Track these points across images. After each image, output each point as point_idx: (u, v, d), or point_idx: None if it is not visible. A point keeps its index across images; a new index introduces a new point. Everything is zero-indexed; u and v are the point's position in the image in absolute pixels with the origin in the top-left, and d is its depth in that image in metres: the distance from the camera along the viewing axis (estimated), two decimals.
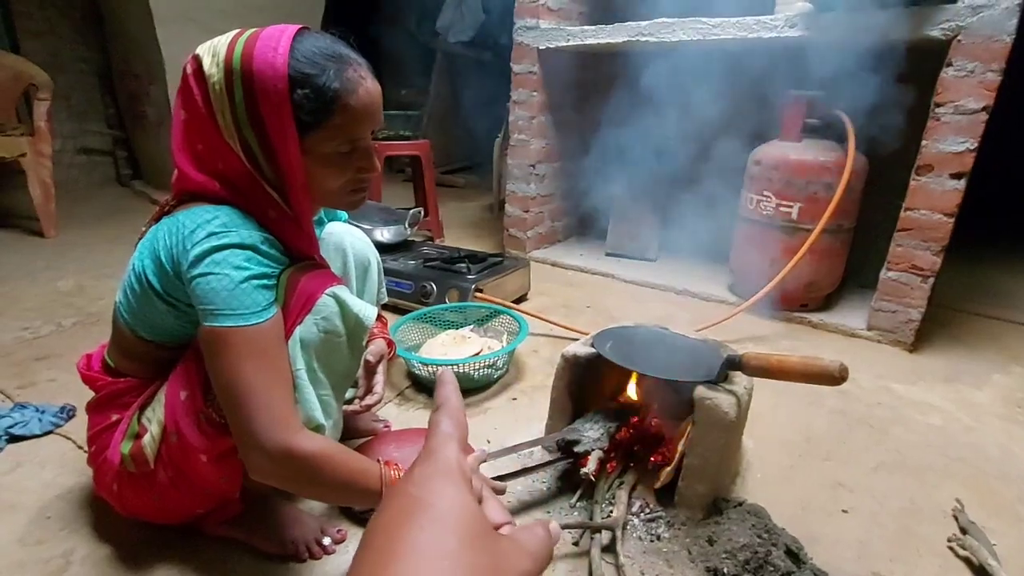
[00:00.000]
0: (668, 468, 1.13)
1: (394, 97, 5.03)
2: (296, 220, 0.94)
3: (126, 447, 0.95)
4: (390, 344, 1.32)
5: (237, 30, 0.88)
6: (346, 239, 1.25)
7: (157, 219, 0.95)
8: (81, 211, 3.63)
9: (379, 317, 1.36)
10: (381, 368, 1.22)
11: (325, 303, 0.93)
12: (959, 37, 1.66)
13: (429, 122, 4.90)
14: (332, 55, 0.87)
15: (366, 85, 0.89)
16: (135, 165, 4.51)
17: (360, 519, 1.13)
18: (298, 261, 0.95)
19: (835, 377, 0.97)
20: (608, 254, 2.95)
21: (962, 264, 2.62)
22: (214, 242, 0.84)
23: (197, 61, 0.87)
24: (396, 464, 0.94)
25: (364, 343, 1.03)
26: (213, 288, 0.82)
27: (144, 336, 0.96)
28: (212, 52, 0.86)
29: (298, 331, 0.91)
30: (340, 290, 0.95)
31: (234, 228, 0.86)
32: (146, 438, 0.93)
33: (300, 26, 0.88)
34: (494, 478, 1.09)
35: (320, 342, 0.93)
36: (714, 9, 2.11)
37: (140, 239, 0.97)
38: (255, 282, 0.85)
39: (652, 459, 1.22)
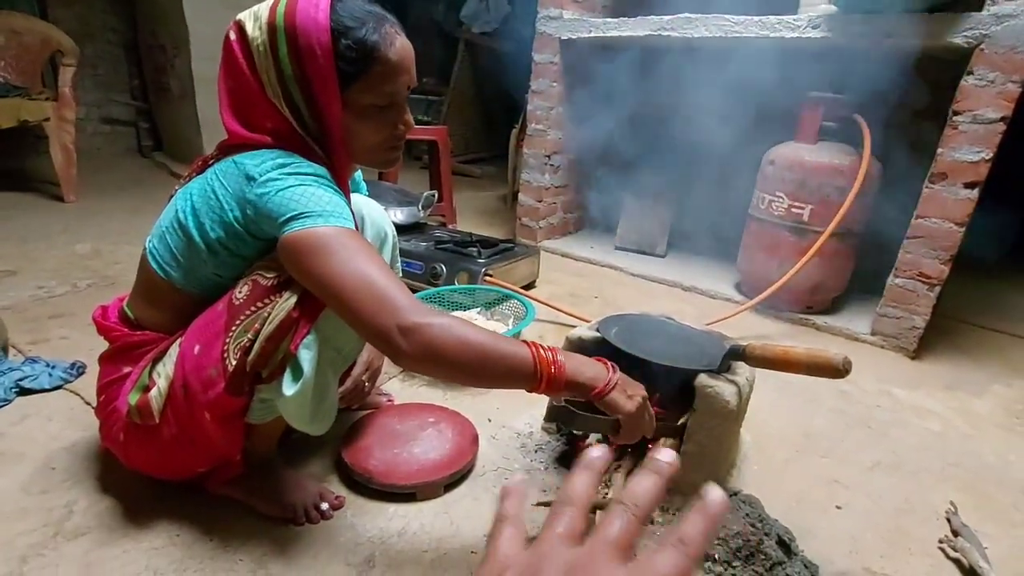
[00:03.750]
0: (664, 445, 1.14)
1: (416, 85, 5.04)
2: (336, 175, 0.97)
3: (134, 398, 0.96)
4: None
5: None
6: (363, 209, 1.25)
7: (201, 170, 0.98)
8: (102, 179, 3.68)
9: None
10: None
11: None
12: (982, 46, 1.65)
13: (449, 110, 4.92)
14: (370, 11, 0.91)
15: (402, 39, 0.93)
16: (157, 137, 4.55)
17: (360, 485, 1.15)
18: None
19: (839, 369, 0.97)
20: (618, 248, 2.96)
21: (969, 275, 2.60)
22: (284, 167, 0.88)
23: (239, 26, 0.90)
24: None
25: None
26: (295, 194, 0.85)
27: (176, 283, 0.98)
28: (254, 17, 0.90)
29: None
30: None
31: (298, 160, 0.90)
32: (154, 391, 0.95)
33: None
34: None
35: (330, 317, 0.92)
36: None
37: (179, 188, 0.99)
38: (339, 198, 0.89)
39: (650, 446, 1.23)
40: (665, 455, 0.37)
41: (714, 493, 0.35)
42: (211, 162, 0.97)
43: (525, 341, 0.86)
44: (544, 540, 0.34)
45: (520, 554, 0.34)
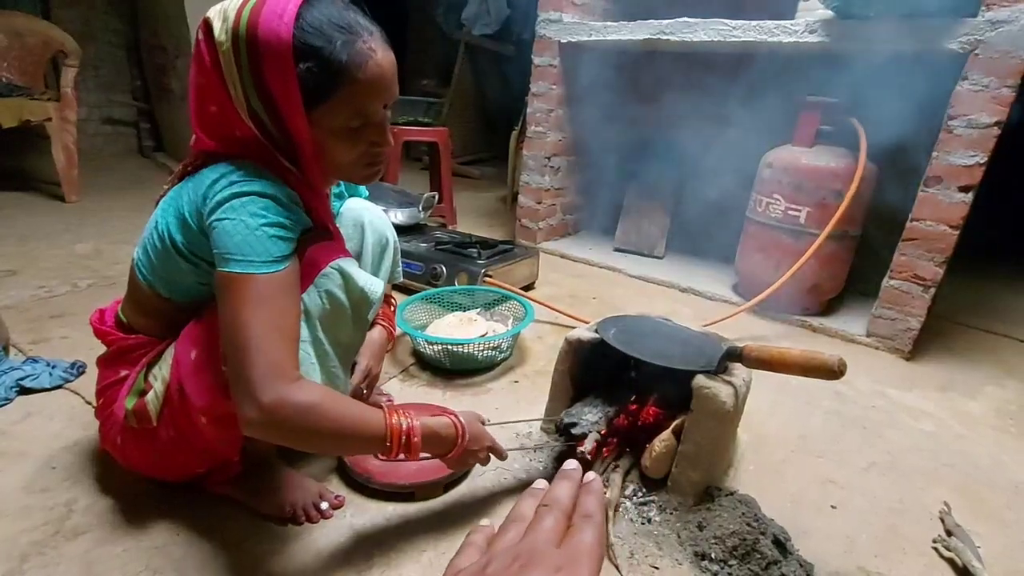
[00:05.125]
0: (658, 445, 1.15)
1: (416, 86, 5.07)
2: (312, 188, 0.95)
3: (130, 403, 0.97)
4: (391, 335, 1.33)
5: None
6: (364, 215, 1.24)
7: (180, 179, 0.96)
8: (103, 179, 3.70)
9: (388, 300, 1.39)
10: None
11: (329, 275, 0.92)
12: (976, 51, 1.67)
13: (449, 112, 4.93)
14: (341, 24, 0.82)
15: (376, 58, 0.85)
16: (158, 137, 4.57)
17: (359, 485, 1.16)
18: (316, 228, 0.95)
19: (834, 371, 0.97)
20: (616, 249, 2.97)
21: (964, 277, 2.62)
22: (234, 189, 0.84)
23: (207, 25, 0.84)
24: (402, 410, 0.93)
25: (369, 318, 1.02)
26: (228, 233, 0.82)
27: (162, 293, 0.97)
28: (222, 17, 0.82)
29: (301, 299, 0.90)
30: (346, 263, 0.94)
31: (256, 178, 0.85)
32: (150, 395, 0.95)
33: None
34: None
35: (324, 313, 0.93)
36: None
37: (162, 198, 0.98)
38: (270, 230, 0.83)
39: (648, 446, 1.24)
40: (571, 464, 0.47)
41: (590, 475, 0.45)
42: (189, 169, 0.94)
43: (389, 409, 0.92)
44: (530, 534, 0.40)
45: (509, 548, 0.40)
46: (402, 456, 0.91)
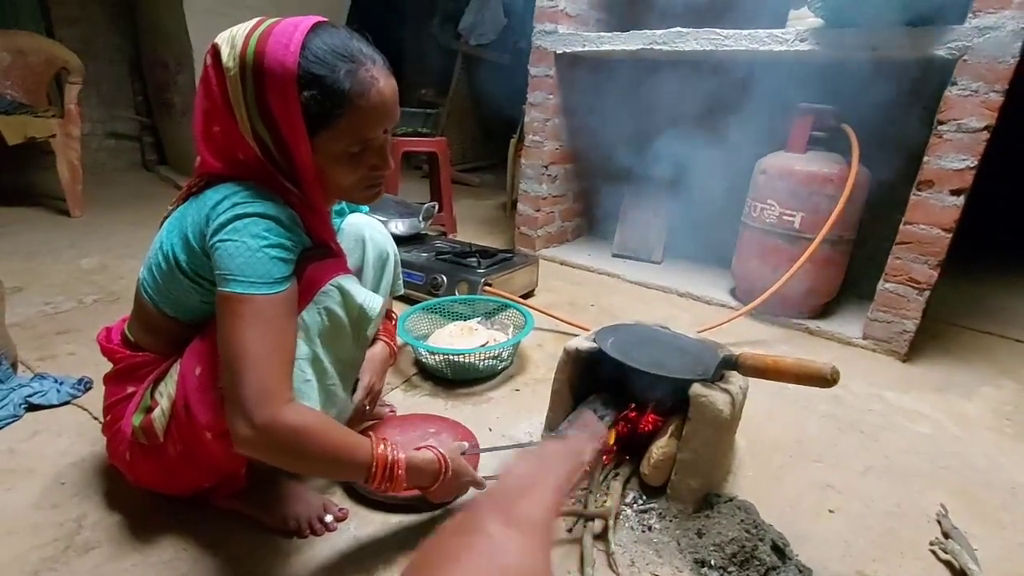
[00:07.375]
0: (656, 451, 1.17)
1: (414, 96, 5.10)
2: (313, 208, 0.96)
3: (137, 419, 0.98)
4: (392, 351, 1.34)
5: (257, 19, 0.87)
6: (365, 231, 1.27)
7: (184, 199, 0.97)
8: (107, 193, 3.72)
9: (389, 315, 1.40)
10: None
11: (328, 292, 0.94)
12: (964, 57, 1.68)
13: (447, 121, 4.96)
14: (344, 54, 0.85)
15: (378, 86, 0.88)
16: (160, 151, 4.60)
17: (363, 498, 1.17)
18: (317, 246, 0.97)
19: (827, 379, 0.99)
20: (615, 255, 2.99)
21: (958, 279, 2.64)
22: (237, 211, 0.85)
23: (216, 51, 0.86)
24: (389, 440, 0.96)
25: (369, 334, 1.04)
26: (230, 253, 0.84)
27: (167, 312, 0.99)
28: (231, 43, 0.85)
29: (300, 316, 0.92)
30: (345, 280, 0.96)
31: (258, 199, 0.87)
32: (156, 412, 0.96)
33: (316, 20, 0.87)
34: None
35: (324, 330, 0.95)
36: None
37: (166, 218, 1.00)
38: (272, 252, 0.85)
39: (646, 453, 1.25)
40: None
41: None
42: (193, 190, 0.96)
43: (376, 439, 0.94)
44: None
45: None
46: (386, 486, 0.93)
